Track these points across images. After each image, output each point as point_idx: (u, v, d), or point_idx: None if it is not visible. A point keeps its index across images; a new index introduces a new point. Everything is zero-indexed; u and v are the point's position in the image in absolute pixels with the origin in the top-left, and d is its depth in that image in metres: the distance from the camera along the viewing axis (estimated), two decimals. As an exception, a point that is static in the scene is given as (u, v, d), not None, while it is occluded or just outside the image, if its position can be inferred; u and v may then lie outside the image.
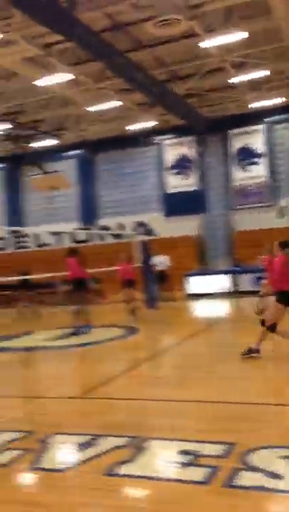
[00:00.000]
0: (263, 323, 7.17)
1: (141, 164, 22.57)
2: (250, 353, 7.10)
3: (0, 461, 4.18)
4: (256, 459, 3.84)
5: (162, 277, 16.59)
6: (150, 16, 12.03)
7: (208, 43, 13.50)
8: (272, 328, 7.03)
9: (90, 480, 3.75)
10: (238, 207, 21.03)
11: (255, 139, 20.77)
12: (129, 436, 4.42)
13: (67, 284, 12.37)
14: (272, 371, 6.83)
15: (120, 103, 17.73)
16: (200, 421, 4.90)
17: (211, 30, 13.19)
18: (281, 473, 3.59)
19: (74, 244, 22.35)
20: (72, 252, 11.80)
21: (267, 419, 4.84)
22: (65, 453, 4.41)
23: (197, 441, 4.25)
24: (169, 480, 3.66)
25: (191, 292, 17.48)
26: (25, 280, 15.46)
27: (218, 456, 3.93)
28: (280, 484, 3.46)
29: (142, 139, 21.81)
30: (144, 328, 11.46)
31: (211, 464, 3.80)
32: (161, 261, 16.62)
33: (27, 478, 3.99)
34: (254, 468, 3.70)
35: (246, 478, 3.56)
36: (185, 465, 3.85)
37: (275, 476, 3.56)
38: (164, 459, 4.03)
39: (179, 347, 8.97)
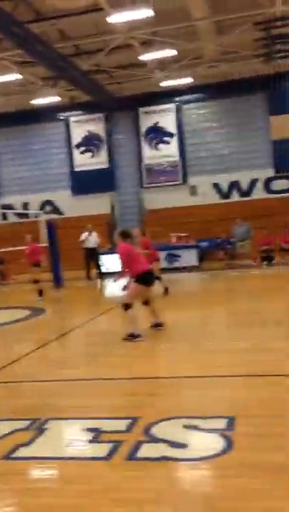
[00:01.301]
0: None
1: (47, 141, 21.92)
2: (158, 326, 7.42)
3: None
4: (159, 430, 3.89)
5: (92, 255, 16.46)
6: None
7: (114, 19, 13.26)
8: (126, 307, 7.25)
9: (-13, 466, 3.59)
10: (148, 185, 21.19)
11: (166, 118, 20.91)
12: (30, 419, 4.28)
13: None
14: (170, 347, 6.92)
15: (21, 76, 16.98)
16: (104, 398, 4.88)
17: (117, 6, 12.95)
18: (184, 442, 3.68)
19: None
20: None
21: (167, 392, 4.93)
22: None
23: (100, 418, 4.22)
24: (71, 458, 3.60)
25: (103, 271, 17.44)
26: None
27: (121, 431, 3.93)
28: (184, 452, 3.54)
29: (49, 114, 21.14)
30: (52, 309, 11.26)
31: (114, 439, 3.78)
32: (90, 238, 16.42)
33: None
34: (157, 440, 3.75)
35: (150, 450, 3.59)
36: (87, 442, 3.80)
37: (179, 445, 3.64)
38: (66, 439, 3.97)
39: (87, 326, 8.91)
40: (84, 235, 16.58)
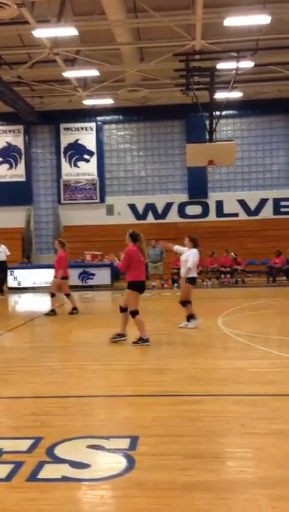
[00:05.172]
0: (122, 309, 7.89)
1: None
2: (119, 337, 7.85)
3: None
4: (62, 451, 3.87)
5: (1, 268, 15.96)
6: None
7: (39, 33, 13.29)
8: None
9: None
10: (66, 202, 21.10)
11: (86, 136, 21.07)
12: None
13: None
14: (77, 365, 6.90)
15: None
16: (6, 418, 4.77)
17: (43, 21, 12.99)
18: (86, 463, 3.68)
19: None
20: None
21: (72, 412, 4.90)
22: None
23: (1, 439, 4.13)
24: None
25: (15, 286, 17.05)
26: None
27: (22, 452, 3.86)
28: (85, 473, 3.53)
29: None
30: None
31: (14, 460, 3.71)
32: None
33: None
34: (60, 460, 3.73)
35: (51, 471, 3.56)
36: (-14, 464, 3.70)
37: (81, 465, 3.63)
38: None
39: (-5, 342, 8.65)
40: None
